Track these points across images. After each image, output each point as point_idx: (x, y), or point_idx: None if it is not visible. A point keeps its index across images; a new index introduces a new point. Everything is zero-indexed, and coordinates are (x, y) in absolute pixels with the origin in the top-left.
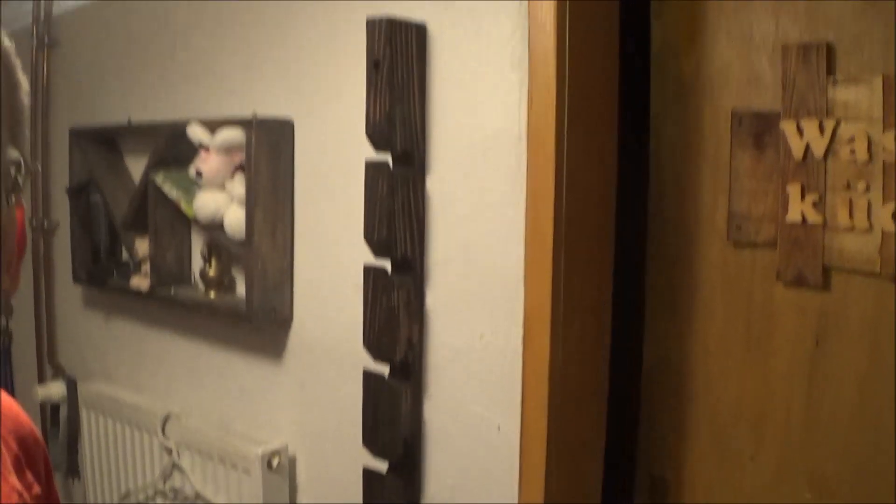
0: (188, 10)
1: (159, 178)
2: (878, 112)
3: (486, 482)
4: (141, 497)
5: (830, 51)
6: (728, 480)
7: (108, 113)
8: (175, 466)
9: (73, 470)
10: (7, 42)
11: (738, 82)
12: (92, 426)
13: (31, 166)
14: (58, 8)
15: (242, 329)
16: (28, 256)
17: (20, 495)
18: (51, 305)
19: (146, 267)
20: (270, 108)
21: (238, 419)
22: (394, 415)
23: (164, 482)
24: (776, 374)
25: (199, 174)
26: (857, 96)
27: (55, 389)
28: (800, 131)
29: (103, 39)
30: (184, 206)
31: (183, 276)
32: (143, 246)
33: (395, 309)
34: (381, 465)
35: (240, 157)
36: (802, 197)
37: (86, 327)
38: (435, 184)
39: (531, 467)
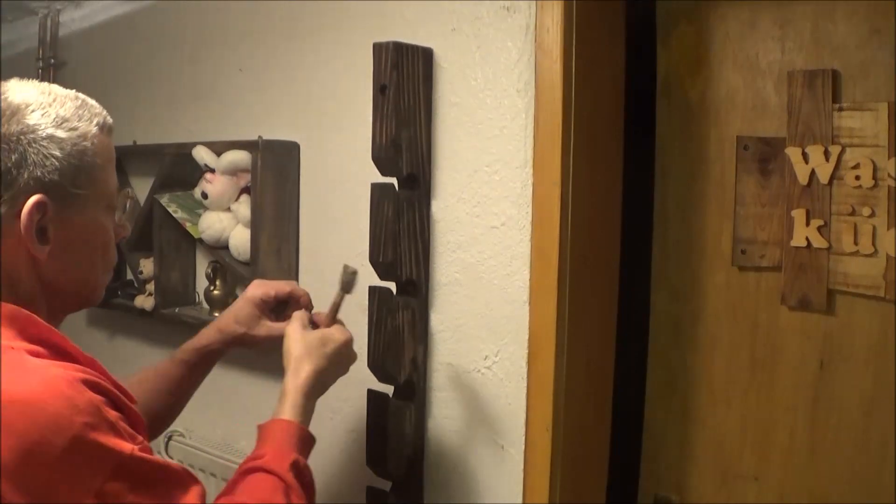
0: (195, 33)
1: (165, 199)
2: (883, 139)
3: (489, 502)
4: None
5: (836, 78)
6: (732, 502)
7: (114, 134)
8: None
9: None
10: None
11: (743, 108)
12: None
13: (131, 193)
14: (64, 29)
15: (246, 349)
16: None
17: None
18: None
19: (151, 287)
20: (276, 130)
21: (242, 438)
22: (398, 435)
23: None
24: (781, 397)
25: (204, 196)
26: (862, 123)
27: None
28: (805, 157)
29: (109, 61)
30: (189, 227)
31: (188, 296)
32: (147, 266)
33: (400, 330)
34: (385, 485)
35: (245, 179)
36: (807, 222)
37: (90, 346)
38: (440, 207)
39: (535, 488)
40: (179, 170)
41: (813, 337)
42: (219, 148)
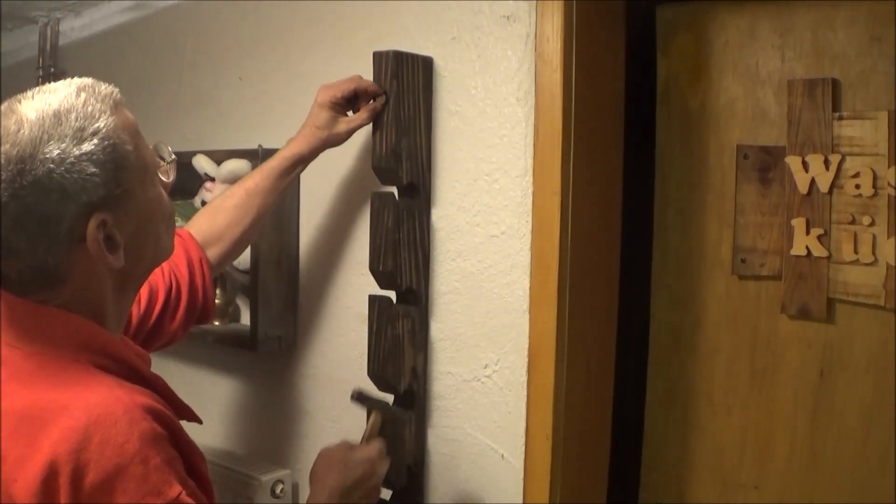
0: (195, 43)
1: None
2: (882, 147)
3: None
4: None
5: (836, 87)
6: None
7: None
8: None
9: None
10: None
11: (743, 117)
12: None
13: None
14: (63, 38)
15: (247, 357)
16: None
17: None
18: None
19: None
20: (276, 139)
21: (242, 446)
22: (398, 444)
23: None
24: (780, 406)
25: (204, 204)
26: (862, 132)
27: None
28: (805, 166)
29: (109, 70)
30: None
31: None
32: None
33: (400, 339)
34: (385, 494)
35: None
36: (807, 231)
37: None
38: (440, 216)
39: (535, 497)
40: (179, 178)
41: (813, 346)
42: (218, 157)
